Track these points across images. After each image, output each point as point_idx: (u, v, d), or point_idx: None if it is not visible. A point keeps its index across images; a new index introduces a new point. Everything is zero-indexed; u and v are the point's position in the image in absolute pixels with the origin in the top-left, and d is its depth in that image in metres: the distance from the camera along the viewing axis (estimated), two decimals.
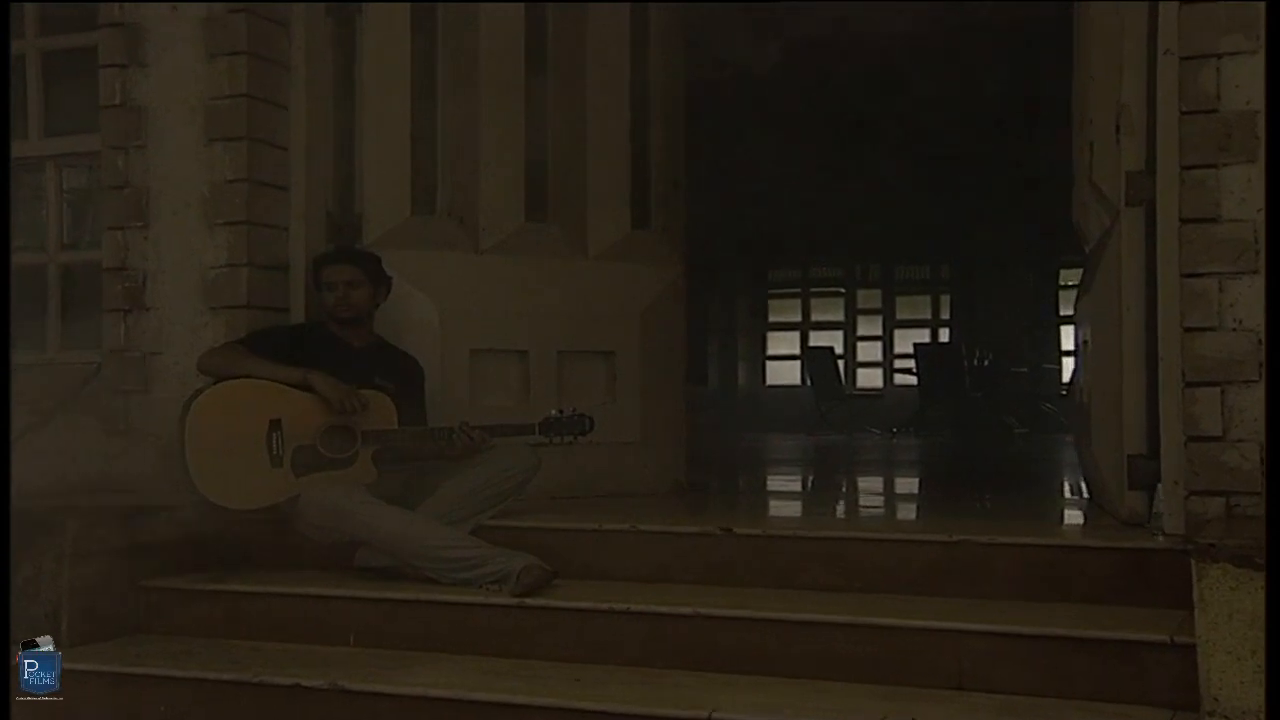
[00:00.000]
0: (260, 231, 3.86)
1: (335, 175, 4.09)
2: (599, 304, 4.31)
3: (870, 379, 14.11)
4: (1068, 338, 13.08)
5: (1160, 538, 3.07)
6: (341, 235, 4.03)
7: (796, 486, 5.82)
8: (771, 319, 14.72)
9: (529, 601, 3.13)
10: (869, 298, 14.38)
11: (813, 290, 14.61)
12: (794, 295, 14.69)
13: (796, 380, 13.91)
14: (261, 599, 3.36)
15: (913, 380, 11.86)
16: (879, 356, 14.19)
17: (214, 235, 3.84)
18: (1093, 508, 3.97)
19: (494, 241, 4.21)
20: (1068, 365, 12.32)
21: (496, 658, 3.08)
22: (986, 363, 11.71)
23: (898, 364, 13.68)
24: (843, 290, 14.47)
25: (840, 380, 12.91)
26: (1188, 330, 2.96)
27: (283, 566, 3.56)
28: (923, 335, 13.69)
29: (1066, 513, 4.43)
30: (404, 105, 4.10)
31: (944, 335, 13.84)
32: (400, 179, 4.10)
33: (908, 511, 4.65)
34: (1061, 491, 5.47)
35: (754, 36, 8.62)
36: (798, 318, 14.59)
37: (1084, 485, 4.19)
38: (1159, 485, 3.17)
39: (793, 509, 4.71)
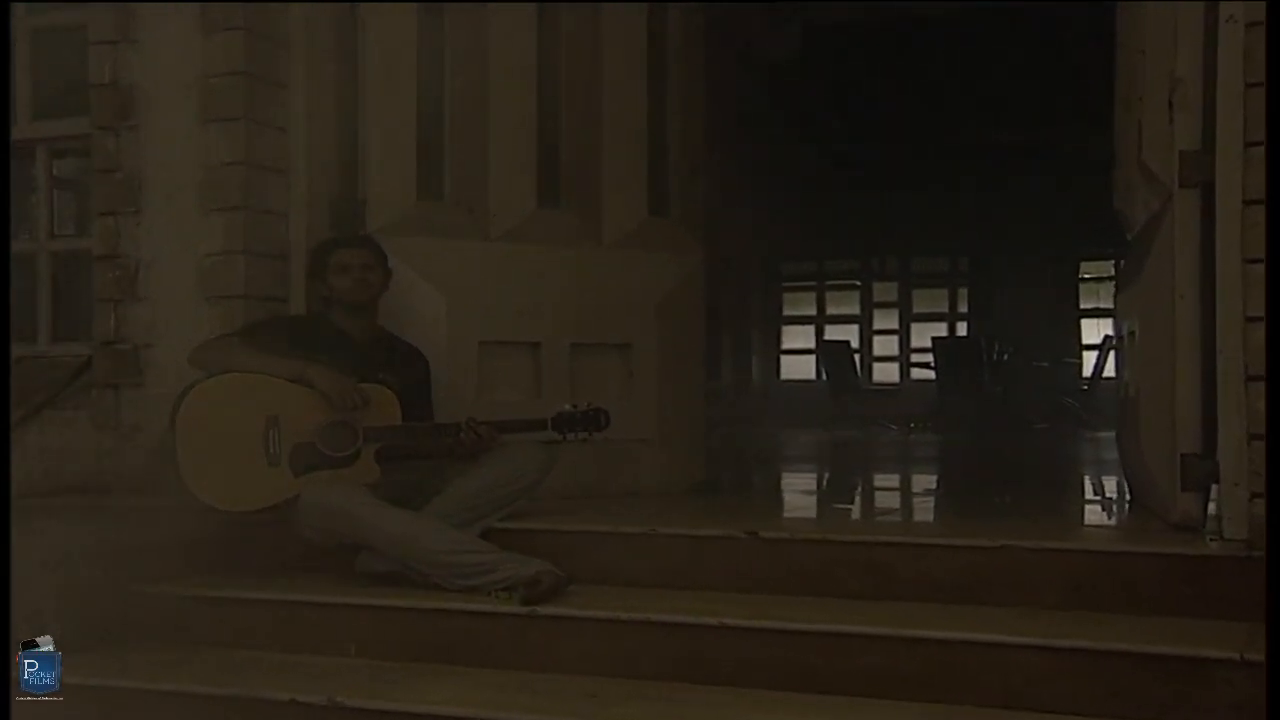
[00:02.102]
0: (258, 217, 3.70)
1: (338, 158, 3.92)
2: (614, 294, 4.13)
3: (886, 373, 13.93)
4: (1088, 331, 12.96)
5: (1216, 543, 2.87)
6: (344, 221, 3.85)
7: (818, 485, 5.62)
8: (786, 312, 14.53)
9: (541, 610, 2.95)
10: (885, 291, 14.18)
11: (828, 283, 14.42)
12: (809, 288, 14.50)
13: (811, 375, 13.74)
14: (257, 606, 3.17)
15: (930, 375, 11.70)
16: (895, 351, 13.99)
17: (209, 221, 3.67)
18: (1136, 509, 3.78)
19: (504, 229, 4.03)
20: (1088, 359, 12.16)
21: (506, 670, 2.89)
22: (1006, 357, 11.53)
23: (914, 358, 13.49)
24: (858, 283, 14.27)
25: (856, 375, 12.74)
26: (1250, 320, 2.77)
27: (280, 571, 3.36)
28: (940, 329, 13.49)
29: (1108, 515, 4.22)
30: (410, 85, 3.93)
31: (961, 329, 13.64)
32: (406, 163, 3.92)
33: (939, 513, 4.44)
34: (1094, 491, 5.26)
35: (773, 23, 8.45)
36: (813, 311, 14.40)
37: (1126, 485, 3.98)
38: (1215, 486, 2.97)
39: (818, 510, 4.52)
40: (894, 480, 5.85)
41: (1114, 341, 11.70)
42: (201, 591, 3.24)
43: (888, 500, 4.93)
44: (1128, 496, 3.98)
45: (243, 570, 3.39)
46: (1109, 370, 11.57)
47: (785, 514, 4.39)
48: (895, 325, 14.04)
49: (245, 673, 2.89)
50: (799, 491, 5.29)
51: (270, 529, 3.33)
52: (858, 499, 4.96)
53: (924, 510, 4.58)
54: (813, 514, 4.41)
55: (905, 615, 2.82)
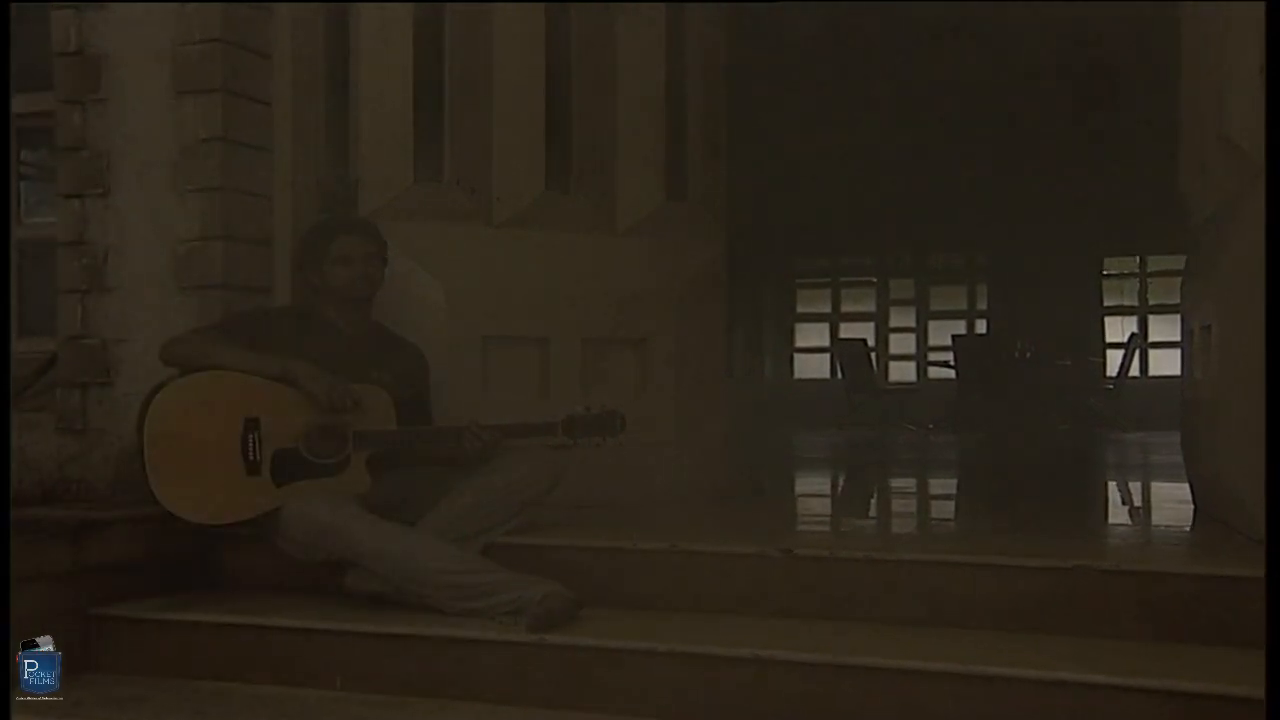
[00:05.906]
0: (239, 199, 3.40)
1: (327, 135, 3.64)
2: (629, 285, 3.85)
3: (903, 372, 13.67)
4: (1112, 329, 12.68)
5: None
6: (333, 204, 3.56)
7: (848, 493, 5.30)
8: (800, 309, 14.25)
9: (550, 638, 2.64)
10: (901, 287, 13.90)
11: (843, 280, 14.15)
12: (824, 285, 14.23)
13: (826, 374, 13.47)
14: (232, 631, 2.86)
15: (948, 374, 11.44)
16: (912, 349, 13.71)
17: (185, 203, 3.38)
18: (1203, 522, 3.45)
19: (509, 213, 3.75)
20: (1112, 358, 11.88)
21: (511, 705, 2.60)
22: (1028, 355, 11.23)
23: (932, 356, 13.22)
24: (874, 280, 13.99)
25: (873, 374, 12.45)
26: None
27: (259, 592, 3.08)
28: (958, 326, 13.23)
29: (1172, 529, 3.88)
30: (406, 56, 3.64)
31: (980, 326, 13.38)
32: (402, 140, 3.64)
33: (984, 526, 4.08)
34: (1132, 499, 4.93)
35: (793, 7, 8.16)
36: (827, 308, 14.13)
37: (1191, 494, 3.65)
38: None
39: (854, 523, 4.19)
40: (924, 488, 5.52)
41: (1139, 340, 11.52)
42: (168, 615, 2.94)
43: (924, 511, 4.59)
44: (1193, 507, 3.64)
45: (217, 591, 3.11)
46: (1134, 370, 11.39)
47: (817, 527, 4.08)
48: (912, 323, 13.78)
49: (215, 708, 2.61)
50: (826, 499, 4.98)
51: (249, 545, 3.05)
52: (891, 509, 4.63)
53: (965, 522, 4.25)
54: (847, 527, 4.08)
55: (963, 645, 2.52)
